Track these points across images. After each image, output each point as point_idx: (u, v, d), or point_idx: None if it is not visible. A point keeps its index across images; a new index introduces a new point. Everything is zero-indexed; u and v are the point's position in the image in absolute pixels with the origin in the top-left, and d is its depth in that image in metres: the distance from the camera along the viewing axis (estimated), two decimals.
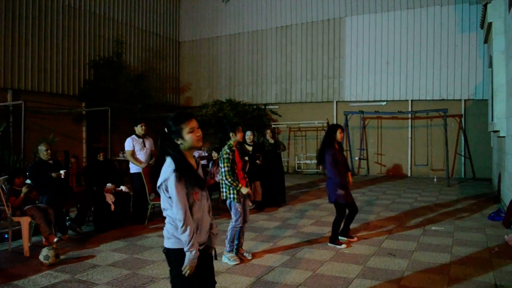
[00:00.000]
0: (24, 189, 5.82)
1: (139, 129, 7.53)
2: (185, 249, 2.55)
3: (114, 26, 15.99)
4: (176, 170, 2.56)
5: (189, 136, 2.65)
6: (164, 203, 2.66)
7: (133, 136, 7.51)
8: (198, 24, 19.22)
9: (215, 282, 2.88)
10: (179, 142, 2.66)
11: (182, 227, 2.53)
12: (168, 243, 2.66)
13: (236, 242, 5.23)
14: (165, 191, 2.60)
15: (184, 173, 2.59)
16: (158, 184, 2.62)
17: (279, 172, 9.23)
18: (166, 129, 2.70)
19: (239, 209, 5.10)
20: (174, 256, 2.64)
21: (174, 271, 2.67)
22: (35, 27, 12.94)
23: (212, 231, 2.84)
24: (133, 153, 7.39)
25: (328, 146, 5.82)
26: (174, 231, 2.61)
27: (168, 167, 2.59)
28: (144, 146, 7.52)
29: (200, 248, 2.66)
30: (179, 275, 2.63)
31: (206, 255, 2.77)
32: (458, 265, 4.87)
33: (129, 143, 7.42)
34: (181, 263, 2.60)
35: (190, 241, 2.54)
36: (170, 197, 2.60)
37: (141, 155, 7.45)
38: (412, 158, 15.07)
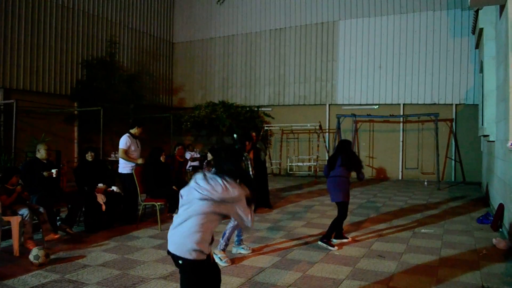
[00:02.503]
0: (17, 188, 5.83)
1: (138, 130, 7.58)
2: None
3: (108, 26, 15.96)
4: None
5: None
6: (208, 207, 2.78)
7: (129, 134, 7.52)
8: (192, 25, 19.23)
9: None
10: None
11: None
12: (193, 255, 2.73)
13: (239, 237, 5.54)
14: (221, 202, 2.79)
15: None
16: (212, 194, 2.79)
17: (262, 176, 9.22)
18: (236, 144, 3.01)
19: None
20: (194, 269, 2.77)
21: (188, 281, 2.83)
22: (27, 26, 12.88)
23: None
24: (126, 151, 7.40)
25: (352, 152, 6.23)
26: (204, 243, 2.74)
27: (236, 186, 2.85)
28: (137, 146, 7.58)
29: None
30: (191, 285, 2.81)
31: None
32: (447, 267, 4.92)
33: (126, 141, 7.41)
34: (197, 275, 2.76)
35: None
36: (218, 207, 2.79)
37: (135, 155, 7.51)
38: (403, 162, 15.17)
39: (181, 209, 2.84)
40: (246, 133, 5.70)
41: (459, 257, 5.36)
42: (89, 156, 7.40)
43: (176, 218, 2.85)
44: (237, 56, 18.23)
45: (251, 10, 17.82)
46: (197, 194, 2.76)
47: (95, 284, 4.37)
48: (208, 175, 2.86)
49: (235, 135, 5.21)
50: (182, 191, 2.90)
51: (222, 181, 2.78)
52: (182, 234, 2.76)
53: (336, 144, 6.15)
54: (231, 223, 5.19)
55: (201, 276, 2.78)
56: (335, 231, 5.97)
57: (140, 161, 7.43)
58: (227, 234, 5.17)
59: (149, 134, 7.49)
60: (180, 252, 2.75)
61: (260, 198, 9.01)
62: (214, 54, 18.78)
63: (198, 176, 2.88)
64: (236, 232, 5.44)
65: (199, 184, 2.80)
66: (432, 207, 9.12)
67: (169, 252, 2.84)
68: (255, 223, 7.42)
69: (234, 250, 5.52)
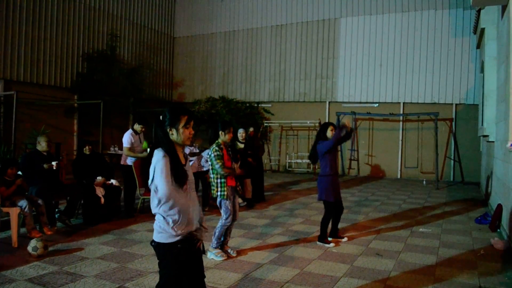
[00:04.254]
0: (18, 181, 5.84)
1: (140, 128, 7.60)
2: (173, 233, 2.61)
3: (109, 20, 15.91)
4: (164, 156, 2.60)
5: (182, 130, 2.70)
6: (153, 198, 2.68)
7: (131, 131, 7.53)
8: (193, 20, 19.18)
9: (204, 276, 2.90)
10: (171, 133, 2.69)
11: (165, 203, 2.58)
12: (158, 237, 2.68)
13: (221, 239, 5.24)
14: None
15: (172, 160, 2.63)
16: (150, 177, 2.64)
17: (258, 172, 9.27)
18: (161, 117, 2.73)
19: (229, 207, 5.10)
20: (164, 250, 2.68)
21: (162, 264, 2.72)
22: (29, 17, 12.83)
23: (203, 225, 2.87)
24: (129, 149, 7.40)
25: (322, 140, 5.91)
26: (165, 225, 2.63)
27: (157, 154, 2.63)
28: (140, 141, 7.63)
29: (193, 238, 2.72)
30: (167, 268, 2.69)
31: (195, 248, 2.79)
32: (444, 267, 4.93)
33: (129, 140, 7.40)
34: (169, 257, 2.65)
35: (178, 222, 2.61)
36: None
37: (137, 150, 7.54)
38: (402, 160, 15.18)
39: None
40: (223, 122, 5.36)
41: (456, 257, 5.38)
42: (86, 150, 7.40)
43: None
44: (237, 52, 18.20)
45: (253, 6, 17.78)
46: None
47: (93, 276, 4.38)
48: None
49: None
50: None
51: None
52: None
53: None
54: (220, 222, 5.13)
55: (164, 260, 2.71)
56: (326, 229, 5.92)
57: (143, 154, 7.43)
58: (217, 233, 5.11)
59: (149, 128, 7.49)
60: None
61: (256, 194, 9.04)
62: (215, 49, 18.74)
63: None
64: (216, 234, 5.13)
65: None
66: (430, 207, 9.13)
67: None
68: (253, 219, 7.44)
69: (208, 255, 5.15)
